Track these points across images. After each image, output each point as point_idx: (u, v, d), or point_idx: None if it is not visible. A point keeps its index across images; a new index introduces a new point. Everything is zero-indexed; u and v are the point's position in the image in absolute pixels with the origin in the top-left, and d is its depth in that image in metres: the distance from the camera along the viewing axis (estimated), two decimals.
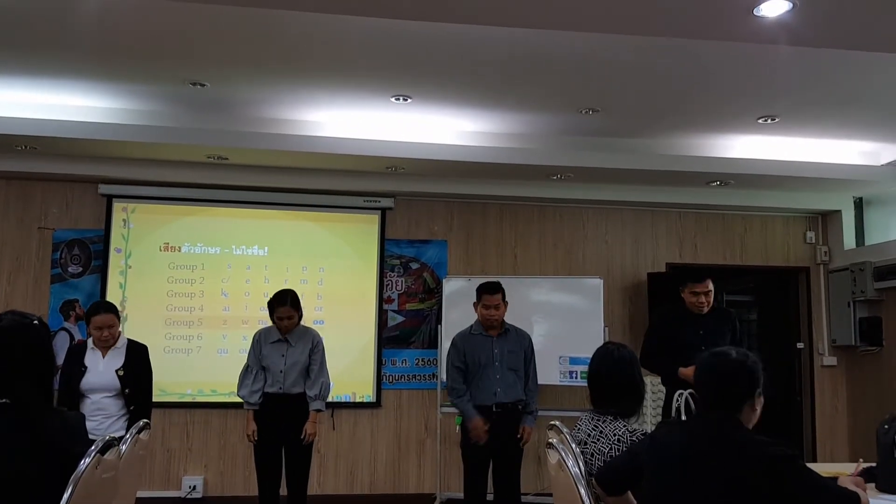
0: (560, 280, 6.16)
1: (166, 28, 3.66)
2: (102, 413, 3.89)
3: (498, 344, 4.46)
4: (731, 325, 4.48)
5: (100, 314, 3.97)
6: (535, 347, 4.64)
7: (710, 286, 4.45)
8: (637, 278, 6.54)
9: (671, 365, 4.34)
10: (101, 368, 3.95)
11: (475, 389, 4.40)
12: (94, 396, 3.91)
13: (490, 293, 4.44)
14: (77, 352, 4.05)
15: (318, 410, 4.45)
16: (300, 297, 4.53)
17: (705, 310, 4.43)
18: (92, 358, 3.98)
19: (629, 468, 2.41)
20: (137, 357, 4.05)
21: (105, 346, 3.99)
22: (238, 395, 4.51)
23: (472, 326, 4.56)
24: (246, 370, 4.51)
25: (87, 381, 3.91)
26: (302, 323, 4.56)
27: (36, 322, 2.19)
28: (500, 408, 4.35)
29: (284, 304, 4.42)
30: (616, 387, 2.82)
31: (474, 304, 4.52)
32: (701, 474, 2.10)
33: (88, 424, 3.64)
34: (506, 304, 4.51)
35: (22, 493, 1.98)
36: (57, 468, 2.03)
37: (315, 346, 4.50)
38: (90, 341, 4.03)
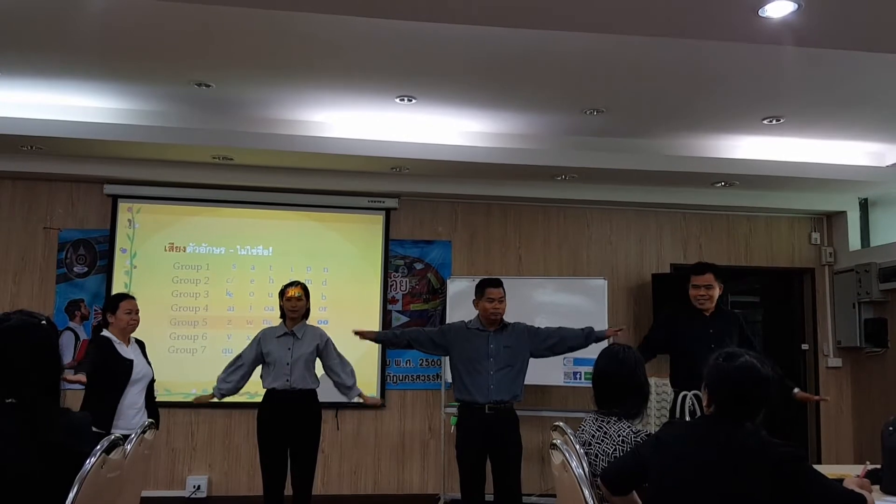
0: (564, 281, 6.16)
1: (172, 29, 3.67)
2: (134, 407, 4.00)
3: (494, 339, 4.30)
4: (738, 327, 4.45)
5: (128, 299, 4.20)
6: None
7: (713, 281, 4.39)
8: (641, 279, 6.53)
9: (649, 347, 4.41)
10: (137, 360, 4.09)
11: (467, 386, 4.27)
12: (131, 389, 4.01)
13: (494, 286, 4.35)
14: (109, 346, 4.04)
15: (360, 394, 4.67)
16: None
17: (707, 304, 4.38)
18: (127, 352, 4.09)
19: (634, 468, 2.41)
20: (144, 351, 4.26)
21: (132, 331, 4.16)
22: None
23: (469, 321, 4.43)
24: (234, 360, 4.56)
25: (138, 372, 4.04)
26: (307, 322, 4.59)
27: (44, 322, 2.20)
28: (493, 408, 4.22)
29: (295, 284, 4.55)
30: (621, 388, 2.82)
31: (474, 301, 4.42)
32: (708, 474, 2.09)
33: (124, 419, 3.80)
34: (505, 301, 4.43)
35: (28, 493, 1.98)
36: (63, 467, 2.03)
37: (325, 343, 4.56)
38: (112, 336, 4.09)
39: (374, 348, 6.13)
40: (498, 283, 4.39)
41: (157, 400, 4.27)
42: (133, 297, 4.26)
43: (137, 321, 4.17)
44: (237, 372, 4.51)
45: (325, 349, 4.55)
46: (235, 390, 4.56)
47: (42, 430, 2.04)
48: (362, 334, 4.54)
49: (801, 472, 2.03)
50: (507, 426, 4.28)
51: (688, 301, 4.47)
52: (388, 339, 4.80)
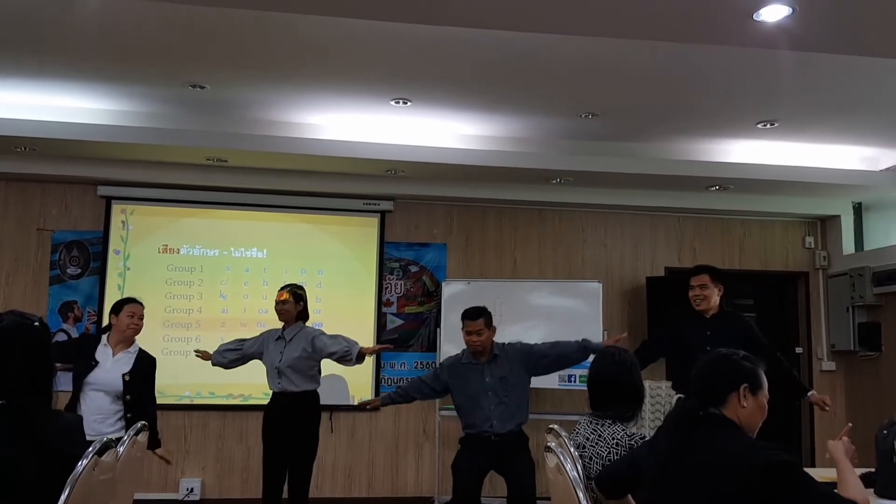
0: (559, 284, 6.16)
1: (166, 30, 3.67)
2: (99, 413, 3.84)
3: (488, 372, 4.12)
4: (742, 330, 4.37)
5: (132, 303, 4.10)
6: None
7: (707, 281, 4.38)
8: (636, 282, 6.54)
9: (648, 348, 4.55)
10: (109, 366, 3.94)
11: (470, 422, 4.14)
12: (95, 394, 3.89)
13: (471, 318, 4.11)
14: (89, 343, 4.04)
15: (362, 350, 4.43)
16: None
17: (703, 304, 4.37)
18: (103, 353, 3.97)
19: (629, 472, 2.40)
20: (146, 367, 4.04)
21: (131, 335, 4.03)
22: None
23: (463, 353, 4.25)
24: (238, 340, 4.68)
25: (95, 376, 3.89)
26: (305, 324, 4.58)
27: (37, 323, 2.18)
28: (499, 436, 4.08)
29: (284, 288, 4.57)
30: (616, 391, 2.82)
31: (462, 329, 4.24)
32: (696, 480, 2.08)
33: (86, 423, 3.65)
34: (493, 329, 4.17)
35: (19, 495, 1.97)
36: (54, 470, 2.02)
37: (311, 342, 4.41)
38: (104, 337, 4.03)
39: None
40: (476, 315, 4.11)
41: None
42: (140, 304, 4.13)
43: (138, 327, 4.05)
44: (235, 353, 4.64)
45: (315, 347, 4.40)
46: (225, 367, 4.69)
47: (33, 431, 2.03)
48: (365, 404, 4.54)
49: (791, 479, 2.01)
50: (517, 447, 4.14)
51: (688, 304, 4.49)
52: (394, 401, 4.49)
